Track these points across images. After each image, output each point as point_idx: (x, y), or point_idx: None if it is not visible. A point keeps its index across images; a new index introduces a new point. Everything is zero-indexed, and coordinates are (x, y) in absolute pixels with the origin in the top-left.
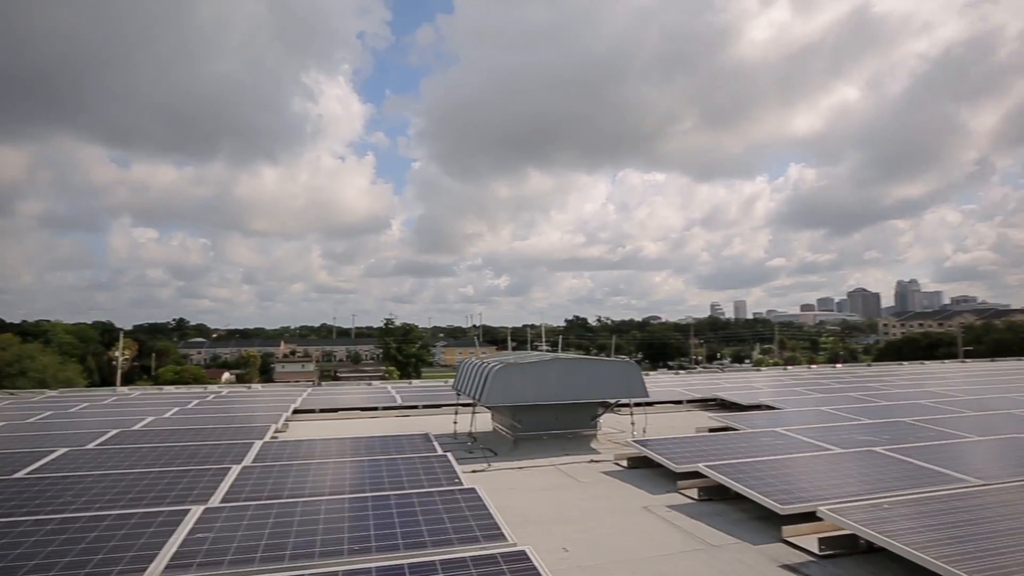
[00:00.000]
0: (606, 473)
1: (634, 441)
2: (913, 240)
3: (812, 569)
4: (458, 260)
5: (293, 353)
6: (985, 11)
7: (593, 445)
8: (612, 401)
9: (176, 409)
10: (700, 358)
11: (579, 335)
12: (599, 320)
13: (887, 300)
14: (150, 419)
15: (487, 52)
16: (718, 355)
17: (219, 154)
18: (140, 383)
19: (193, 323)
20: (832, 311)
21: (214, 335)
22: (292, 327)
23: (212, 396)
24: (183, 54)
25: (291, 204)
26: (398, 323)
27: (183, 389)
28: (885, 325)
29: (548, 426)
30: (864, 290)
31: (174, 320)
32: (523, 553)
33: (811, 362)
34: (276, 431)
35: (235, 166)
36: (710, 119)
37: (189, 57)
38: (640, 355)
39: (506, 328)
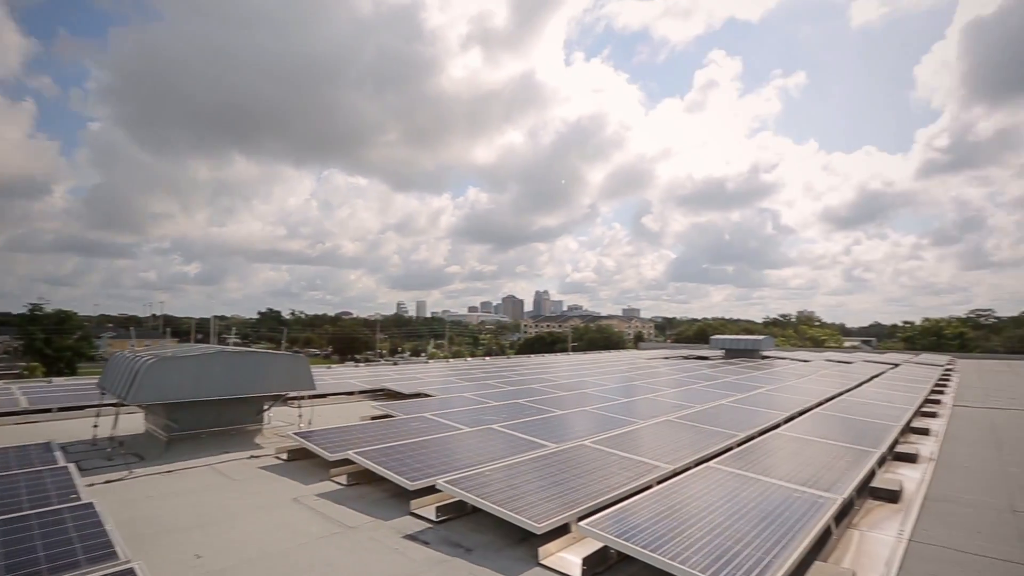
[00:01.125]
0: (264, 468)
1: (295, 433)
2: (548, 260)
3: (428, 535)
4: (141, 241)
5: None
6: (601, 98)
7: (258, 440)
8: (282, 394)
9: None
10: (384, 352)
11: (272, 328)
12: (293, 314)
13: (528, 305)
14: None
15: (199, 19)
16: (399, 349)
17: None
18: None
19: None
20: (491, 313)
21: None
22: None
23: None
24: None
25: None
26: (50, 309)
27: None
28: (526, 325)
29: (209, 423)
30: (514, 297)
31: None
32: (130, 572)
33: (471, 355)
34: None
35: None
36: (411, 136)
37: None
38: (330, 349)
39: (192, 319)
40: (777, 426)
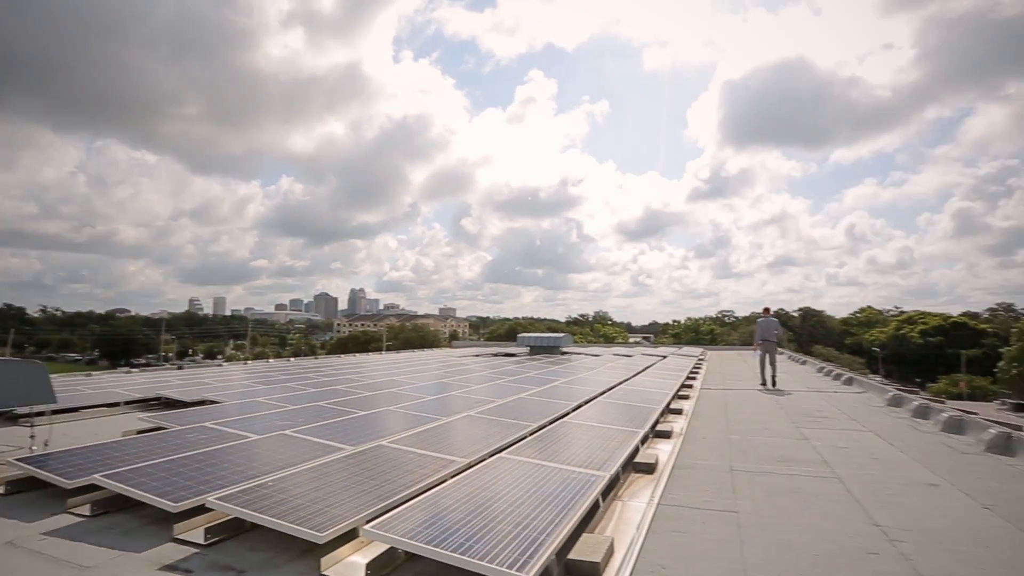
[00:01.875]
0: None
1: (19, 459)
2: (366, 257)
3: (194, 561)
4: None
5: None
6: (428, 99)
7: None
8: (6, 410)
9: None
10: (171, 355)
11: (9, 328)
12: (44, 311)
13: (343, 304)
14: None
15: None
16: (190, 351)
17: None
18: None
19: None
20: (301, 311)
21: None
22: None
23: None
24: None
25: None
26: None
27: None
28: (339, 324)
29: None
30: (327, 294)
31: None
32: None
33: (278, 356)
34: None
35: None
36: (216, 113)
37: None
38: (97, 352)
39: None
40: (567, 414)
